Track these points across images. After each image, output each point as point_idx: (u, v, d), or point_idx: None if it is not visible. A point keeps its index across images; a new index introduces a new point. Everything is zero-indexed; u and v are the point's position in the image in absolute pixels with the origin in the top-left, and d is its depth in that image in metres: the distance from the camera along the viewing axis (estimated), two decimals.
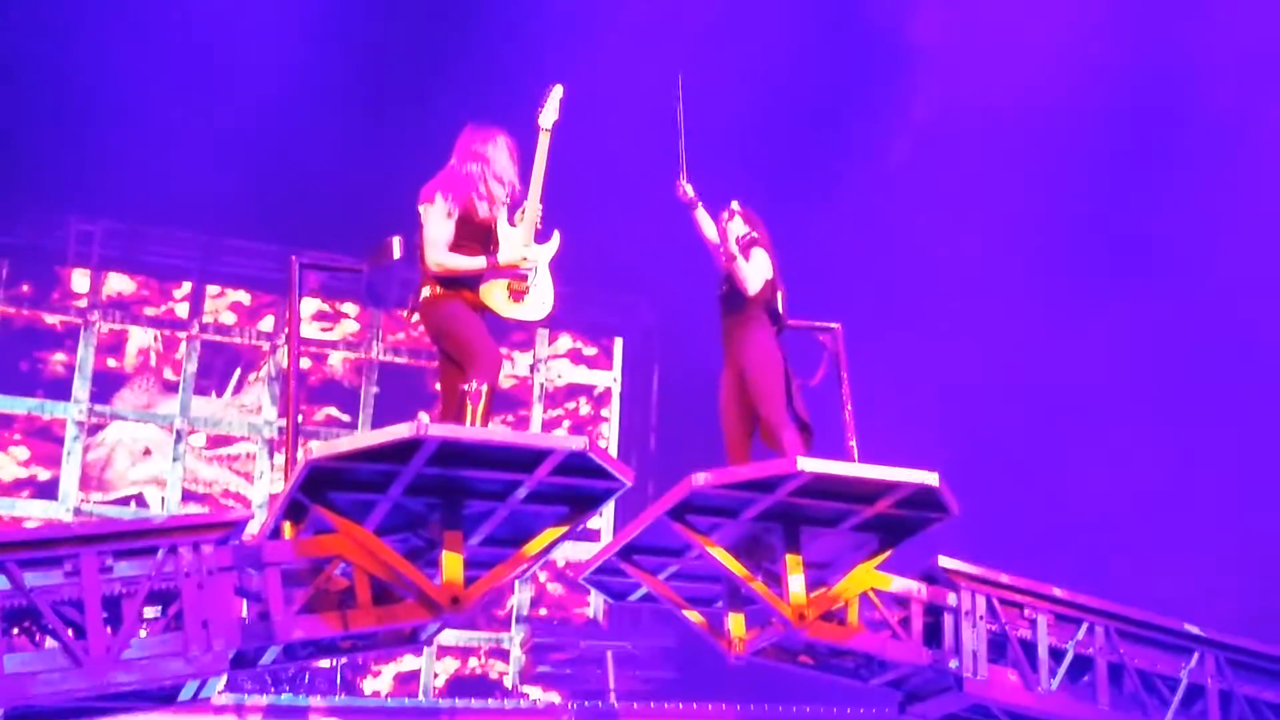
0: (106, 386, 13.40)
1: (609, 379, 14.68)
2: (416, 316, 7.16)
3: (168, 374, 13.58)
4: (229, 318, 13.84)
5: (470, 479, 6.51)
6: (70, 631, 6.32)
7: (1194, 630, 8.42)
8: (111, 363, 13.48)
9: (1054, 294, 12.57)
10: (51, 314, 13.38)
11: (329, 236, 12.89)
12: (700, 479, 6.88)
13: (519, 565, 6.79)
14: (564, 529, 6.76)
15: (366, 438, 6.36)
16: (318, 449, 6.32)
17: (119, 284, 13.63)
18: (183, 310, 13.72)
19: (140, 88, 12.35)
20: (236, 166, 12.49)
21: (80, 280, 13.48)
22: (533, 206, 7.15)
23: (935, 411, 11.63)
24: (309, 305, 13.79)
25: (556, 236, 7.29)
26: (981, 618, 7.69)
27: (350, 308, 13.97)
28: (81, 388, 13.24)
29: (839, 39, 13.15)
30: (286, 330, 7.45)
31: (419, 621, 6.67)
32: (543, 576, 14.10)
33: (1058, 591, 8.02)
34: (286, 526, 6.73)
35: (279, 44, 12.30)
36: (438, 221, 6.91)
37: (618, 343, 14.77)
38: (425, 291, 7.01)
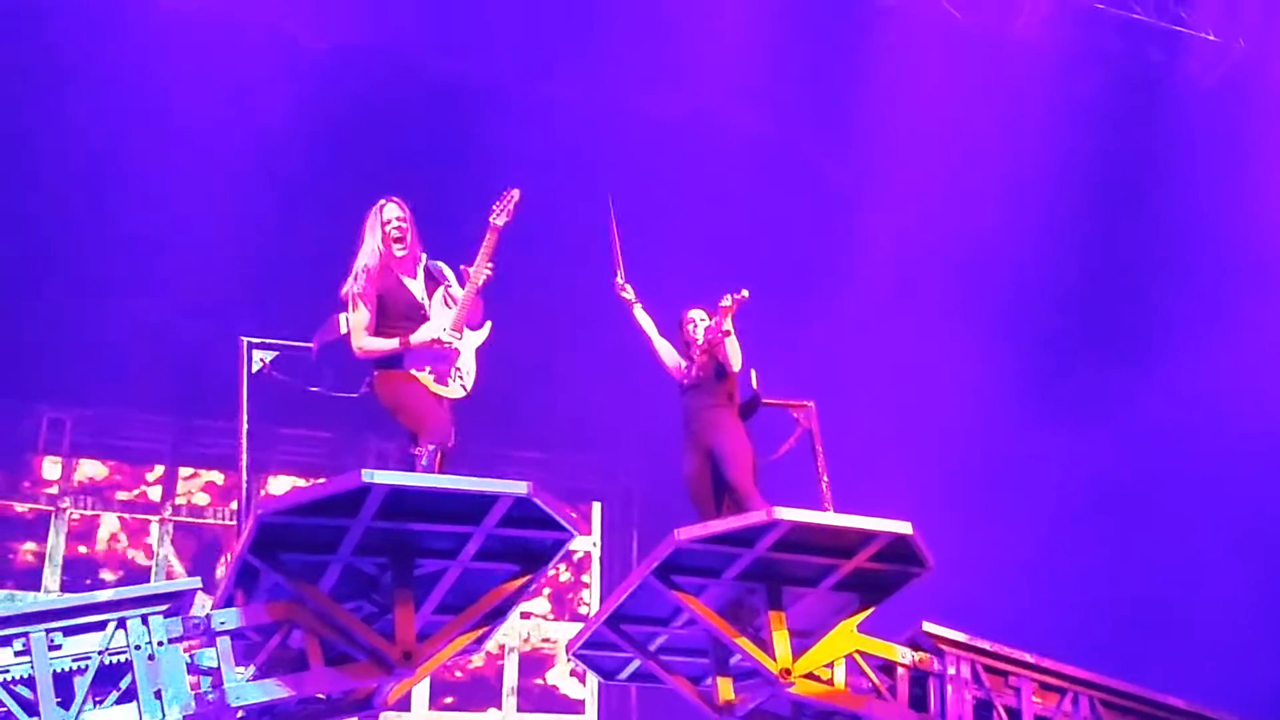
0: (78, 574, 13.27)
1: (588, 544, 14.57)
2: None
3: (139, 559, 13.47)
4: (202, 499, 13.80)
5: (420, 533, 6.49)
6: (24, 710, 6.22)
7: (1178, 704, 8.31)
8: (82, 549, 13.38)
9: (1010, 377, 12.75)
10: (22, 503, 13.32)
11: (301, 412, 13.04)
12: (683, 533, 6.90)
13: (474, 618, 6.70)
14: (517, 584, 6.69)
15: (315, 489, 6.34)
16: (266, 505, 6.29)
17: (91, 469, 13.62)
18: (155, 493, 13.68)
19: (109, 274, 12.56)
20: (208, 347, 12.62)
21: (51, 468, 13.47)
22: (467, 294, 7.27)
23: (908, 482, 11.59)
24: (284, 483, 13.79)
25: (488, 326, 7.43)
26: (966, 684, 7.65)
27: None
28: (52, 577, 13.11)
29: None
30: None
31: (373, 680, 6.54)
32: None
33: (1041, 660, 7.97)
34: (238, 595, 6.64)
35: (239, 231, 12.55)
36: (354, 307, 7.18)
37: (596, 507, 14.70)
38: (376, 372, 7.20)
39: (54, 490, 13.34)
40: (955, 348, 12.75)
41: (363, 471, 6.16)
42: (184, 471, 13.75)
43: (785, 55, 13.00)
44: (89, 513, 13.45)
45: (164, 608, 6.46)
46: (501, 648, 13.81)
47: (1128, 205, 13.03)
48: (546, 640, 14.26)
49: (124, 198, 12.42)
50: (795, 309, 12.55)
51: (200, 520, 13.67)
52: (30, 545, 13.23)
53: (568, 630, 14.08)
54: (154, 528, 13.49)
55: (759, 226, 13.00)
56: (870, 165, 13.21)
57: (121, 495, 13.65)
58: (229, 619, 6.48)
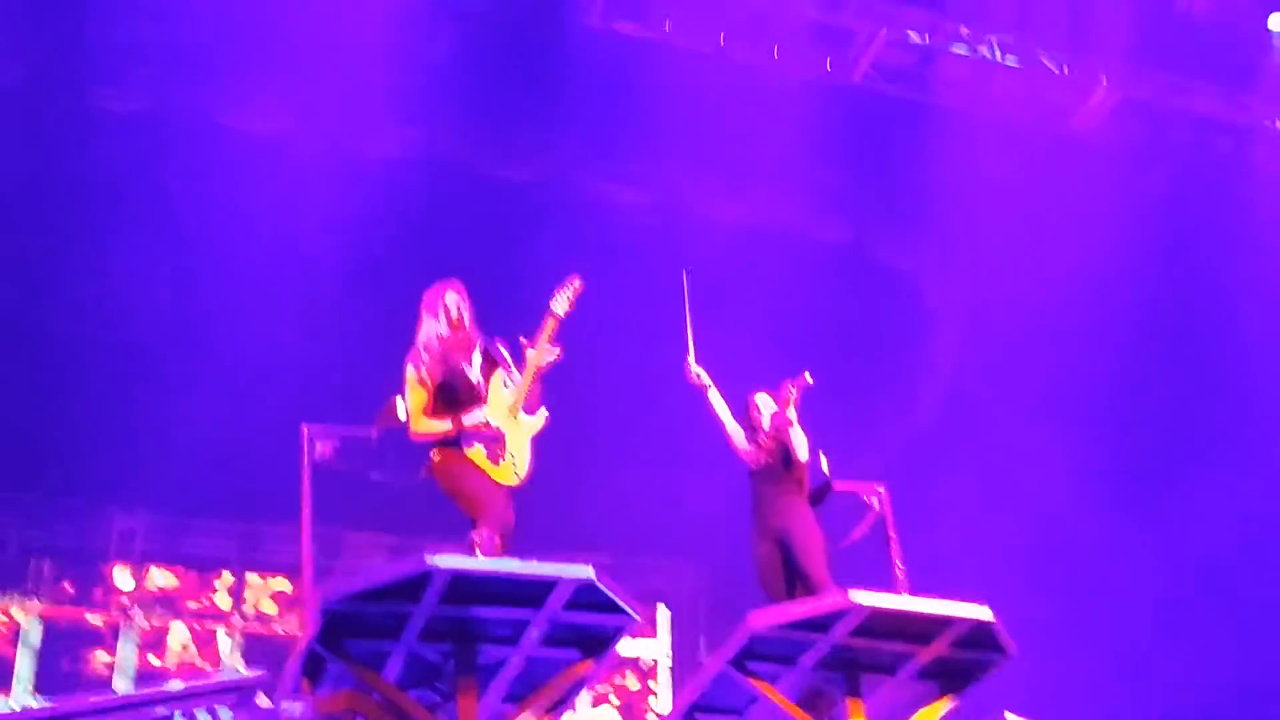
0: (149, 684, 13.21)
1: (655, 649, 14.41)
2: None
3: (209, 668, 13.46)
4: (270, 607, 13.81)
5: (483, 619, 6.42)
6: None
7: None
8: (153, 659, 13.39)
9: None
10: (93, 612, 13.37)
11: (369, 518, 13.07)
12: (758, 619, 6.79)
13: (537, 706, 6.61)
14: (580, 670, 6.61)
15: (378, 574, 6.30)
16: (329, 591, 6.26)
17: (161, 578, 13.69)
18: (224, 601, 13.71)
19: (179, 384, 12.71)
20: (276, 454, 12.68)
21: (122, 577, 13.54)
22: (526, 378, 7.29)
23: (985, 569, 11.41)
24: None
25: (543, 413, 7.42)
26: None
27: None
28: (123, 687, 13.09)
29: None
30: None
31: None
32: None
33: None
34: (304, 684, 6.59)
35: (312, 335, 12.68)
36: (411, 390, 7.24)
37: (662, 610, 14.56)
38: (434, 455, 7.24)
39: (125, 600, 13.41)
40: (1029, 433, 12.67)
41: (425, 556, 6.12)
42: (252, 579, 13.80)
43: (851, 158, 13.11)
44: (158, 622, 13.48)
45: (231, 699, 6.42)
46: None
47: (1200, 292, 12.96)
48: None
49: (194, 306, 12.64)
50: (870, 398, 12.51)
51: (268, 629, 13.69)
52: (102, 655, 13.28)
53: None
54: (222, 636, 13.51)
55: (831, 321, 13.03)
56: (941, 258, 13.25)
57: (191, 604, 13.70)
58: (295, 709, 6.41)
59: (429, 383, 7.20)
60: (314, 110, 12.38)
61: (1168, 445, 13.02)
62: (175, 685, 6.62)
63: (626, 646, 14.10)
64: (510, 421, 7.24)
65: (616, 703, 14.23)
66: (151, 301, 12.47)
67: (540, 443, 7.39)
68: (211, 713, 6.44)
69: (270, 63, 11.97)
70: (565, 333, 7.73)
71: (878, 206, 13.47)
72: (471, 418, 7.14)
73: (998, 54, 12.83)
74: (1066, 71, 13.03)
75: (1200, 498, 12.43)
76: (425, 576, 6.15)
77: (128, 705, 6.48)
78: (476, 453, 7.10)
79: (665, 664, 14.39)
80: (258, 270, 12.50)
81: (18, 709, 6.63)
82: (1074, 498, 12.61)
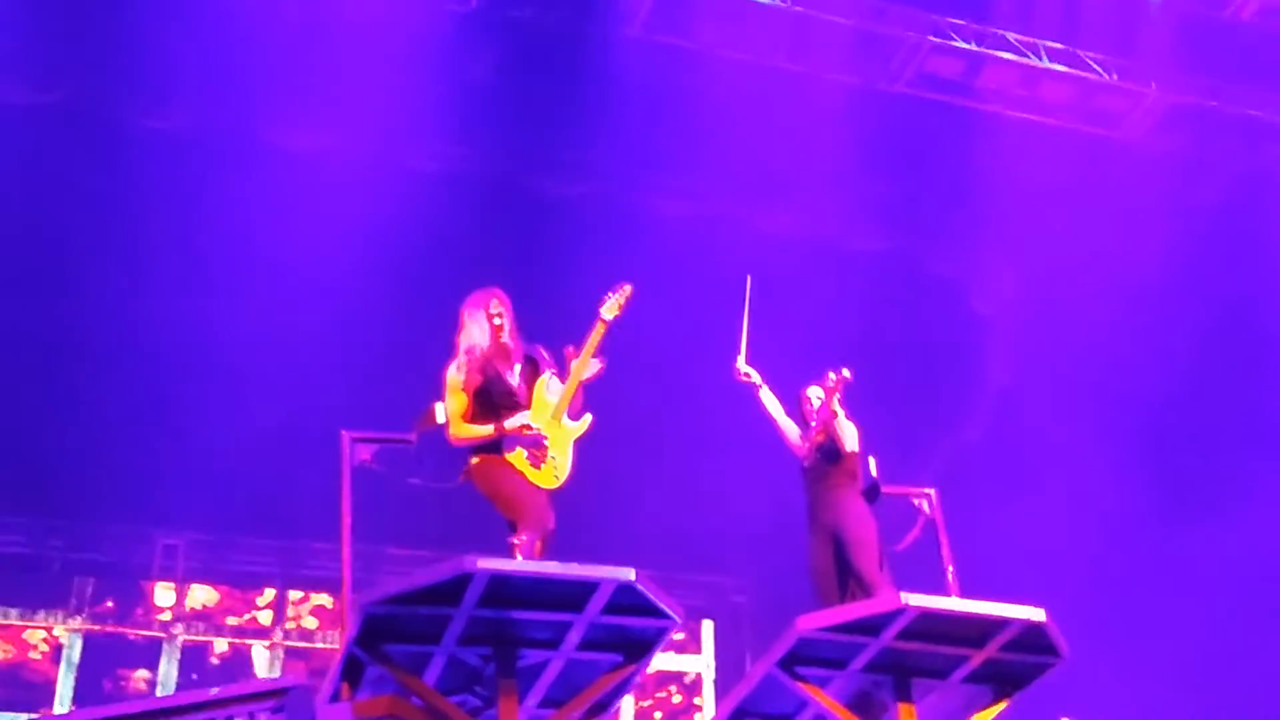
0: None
1: (700, 664, 14.26)
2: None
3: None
4: (311, 622, 13.74)
5: (523, 622, 6.30)
6: None
7: None
8: (195, 676, 13.34)
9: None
10: (135, 629, 13.33)
11: (410, 534, 12.98)
12: (806, 622, 6.64)
13: (578, 711, 6.49)
14: (621, 674, 6.49)
15: (417, 577, 6.18)
16: (369, 594, 6.16)
17: (202, 595, 13.64)
18: (265, 618, 13.65)
19: (220, 403, 12.67)
20: (317, 471, 12.63)
21: (164, 594, 13.50)
22: (570, 385, 7.21)
23: (1036, 573, 11.23)
24: None
25: (587, 419, 7.35)
26: None
27: None
28: None
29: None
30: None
31: None
32: None
33: None
34: (344, 688, 6.48)
35: (353, 352, 12.62)
36: (450, 395, 7.19)
37: (706, 625, 14.42)
38: (473, 459, 7.18)
39: (167, 616, 13.36)
40: (1078, 440, 12.51)
41: (464, 558, 6.00)
42: (294, 595, 13.74)
43: (897, 166, 13.00)
44: (200, 638, 13.43)
45: (270, 703, 6.30)
46: None
47: (1252, 300, 12.78)
48: None
49: (235, 323, 12.58)
50: (920, 406, 12.38)
51: (310, 644, 13.61)
52: (143, 673, 13.23)
53: None
54: (264, 652, 13.44)
55: (878, 330, 12.91)
56: (989, 267, 13.10)
57: (232, 620, 13.65)
58: (333, 715, 6.30)
59: (470, 387, 7.12)
60: (356, 126, 12.35)
61: (1218, 452, 12.84)
62: (214, 690, 6.52)
63: (671, 661, 14.10)
64: (553, 426, 7.16)
65: (659, 717, 14.09)
66: (192, 319, 12.44)
67: (584, 462, 7.32)
68: (251, 717, 6.34)
69: (312, 79, 11.96)
70: (610, 347, 7.64)
71: (924, 215, 13.34)
72: (513, 422, 7.08)
73: (1045, 60, 12.65)
74: (1115, 78, 12.83)
75: (1251, 505, 12.23)
76: (465, 579, 6.04)
77: (168, 711, 6.37)
78: (517, 456, 7.03)
79: (710, 678, 14.23)
80: (298, 286, 12.47)
81: None
82: (1124, 504, 12.45)
